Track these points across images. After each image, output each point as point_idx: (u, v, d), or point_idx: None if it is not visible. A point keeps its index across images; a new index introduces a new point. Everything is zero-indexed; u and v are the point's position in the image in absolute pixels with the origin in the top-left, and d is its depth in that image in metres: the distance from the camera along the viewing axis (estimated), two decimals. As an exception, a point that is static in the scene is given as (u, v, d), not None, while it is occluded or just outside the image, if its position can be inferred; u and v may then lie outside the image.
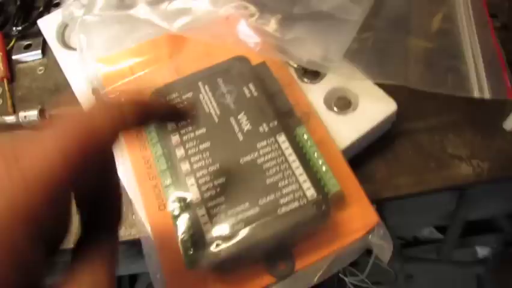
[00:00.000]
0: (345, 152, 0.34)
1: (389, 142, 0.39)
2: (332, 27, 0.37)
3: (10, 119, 0.44)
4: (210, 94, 0.33)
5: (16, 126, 0.45)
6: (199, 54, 0.37)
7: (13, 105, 0.46)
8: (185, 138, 0.32)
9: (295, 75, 0.38)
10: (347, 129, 0.35)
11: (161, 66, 0.38)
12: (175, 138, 0.32)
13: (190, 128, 0.32)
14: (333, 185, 0.29)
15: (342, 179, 0.30)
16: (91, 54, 0.40)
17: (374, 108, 0.36)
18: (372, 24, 0.38)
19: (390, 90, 0.36)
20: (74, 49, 0.46)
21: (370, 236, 0.29)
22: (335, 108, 0.36)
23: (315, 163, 0.30)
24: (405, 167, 0.38)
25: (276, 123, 0.31)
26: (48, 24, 0.49)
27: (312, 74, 0.38)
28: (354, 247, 0.29)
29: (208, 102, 0.33)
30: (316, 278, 0.28)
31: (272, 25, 0.36)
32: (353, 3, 0.37)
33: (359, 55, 0.37)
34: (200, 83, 0.34)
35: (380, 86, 0.36)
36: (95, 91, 0.40)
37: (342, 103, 0.37)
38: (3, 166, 0.13)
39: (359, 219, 0.30)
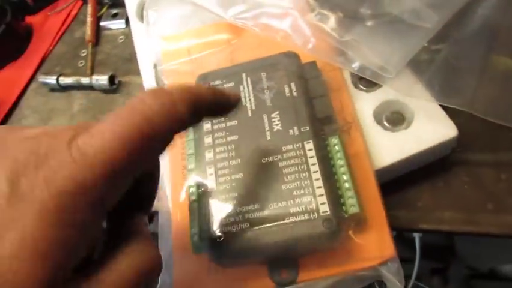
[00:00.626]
0: (383, 172, 0.31)
1: (442, 169, 0.34)
2: (398, 33, 0.33)
3: (85, 80, 0.48)
4: (250, 87, 0.33)
5: (89, 87, 0.49)
6: (255, 44, 0.37)
7: (92, 68, 0.51)
8: (216, 127, 0.32)
9: (349, 80, 0.35)
10: (392, 148, 0.32)
11: (217, 51, 0.39)
12: (206, 126, 0.32)
13: (223, 119, 0.32)
14: (352, 205, 0.27)
15: (367, 201, 0.28)
16: (156, 31, 0.41)
17: (430, 130, 0.32)
18: (449, 34, 0.33)
19: (457, 111, 0.31)
20: (142, 20, 0.48)
21: (383, 268, 0.26)
22: (385, 123, 0.33)
23: (340, 178, 0.28)
24: (456, 201, 0.33)
25: (307, 128, 0.29)
26: (132, -3, 0.52)
27: (370, 81, 0.35)
28: (364, 274, 0.27)
29: (246, 94, 0.33)
30: (316, 295, 0.27)
31: (331, 23, 0.34)
32: (430, 8, 0.33)
33: (425, 68, 0.33)
34: (244, 75, 0.34)
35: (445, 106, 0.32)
36: (155, 66, 0.42)
37: (395, 118, 0.33)
38: (64, 145, 0.14)
39: (374, 247, 0.27)
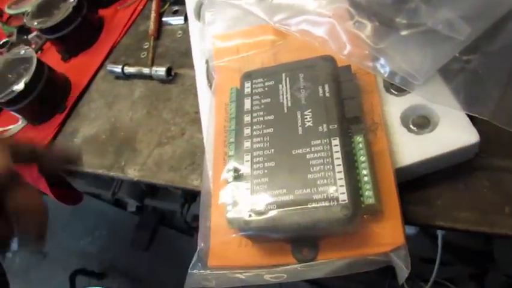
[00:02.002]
0: (404, 170, 0.34)
1: (464, 172, 0.36)
2: (431, 43, 0.35)
3: (146, 70, 0.55)
4: (288, 86, 0.37)
5: (148, 77, 0.55)
6: (296, 47, 0.40)
7: (152, 59, 0.57)
8: (255, 120, 0.36)
9: (381, 83, 0.38)
10: (415, 149, 0.34)
11: (262, 51, 0.43)
12: (247, 118, 0.36)
13: (261, 113, 0.36)
14: (369, 196, 0.30)
15: (384, 195, 0.31)
16: (210, 30, 0.46)
17: (453, 135, 0.34)
18: (480, 46, 0.35)
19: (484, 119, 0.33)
20: (200, 20, 0.53)
21: (393, 254, 0.30)
22: (411, 125, 0.36)
23: (360, 172, 0.31)
24: (474, 202, 0.35)
25: (335, 126, 0.33)
26: (192, -5, 0.57)
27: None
28: (375, 259, 0.30)
29: (284, 93, 0.37)
30: (331, 271, 0.31)
31: (367, 31, 0.37)
32: (465, 21, 0.35)
33: (453, 76, 0.35)
34: (284, 74, 0.38)
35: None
36: (207, 62, 0.47)
37: (421, 122, 0.36)
38: None
39: (387, 235, 0.30)
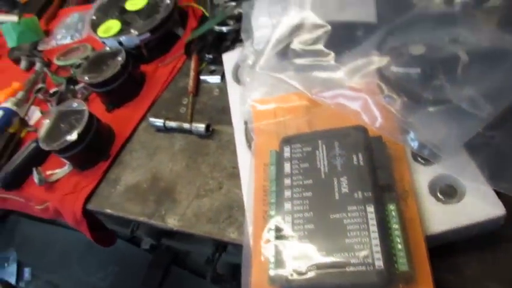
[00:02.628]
0: (434, 238, 0.36)
1: (492, 243, 0.39)
2: (456, 119, 0.39)
3: (186, 125, 0.59)
4: (325, 153, 0.40)
5: (188, 131, 0.60)
6: (330, 115, 0.44)
7: (191, 115, 0.62)
8: (295, 183, 0.40)
9: (409, 153, 0.42)
10: (443, 218, 0.37)
11: (297, 117, 0.47)
12: (287, 181, 0.40)
13: (300, 177, 0.40)
14: (402, 264, 0.33)
15: (416, 262, 0.34)
16: (249, 94, 0.51)
17: (479, 207, 0.37)
18: (504, 123, 0.39)
19: None
20: (238, 82, 0.58)
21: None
22: (438, 194, 0.39)
23: (394, 239, 0.34)
24: (503, 274, 0.37)
25: (370, 194, 0.36)
26: (228, 59, 0.63)
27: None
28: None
29: (321, 159, 0.40)
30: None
31: (397, 105, 0.41)
32: (486, 99, 0.39)
33: (478, 151, 0.39)
34: (320, 141, 0.41)
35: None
36: (246, 123, 0.52)
37: (448, 191, 0.39)
38: None
39: (419, 302, 0.33)
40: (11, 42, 0.92)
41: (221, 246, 0.71)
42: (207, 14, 0.77)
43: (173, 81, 0.70)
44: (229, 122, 0.57)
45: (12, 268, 1.81)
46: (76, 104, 0.62)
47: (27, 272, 1.79)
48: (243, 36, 0.56)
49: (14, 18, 1.00)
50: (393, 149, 0.41)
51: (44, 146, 0.58)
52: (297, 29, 0.44)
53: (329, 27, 0.42)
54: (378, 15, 0.45)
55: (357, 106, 0.41)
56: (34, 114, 0.77)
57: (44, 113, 0.76)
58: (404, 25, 0.44)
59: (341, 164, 0.39)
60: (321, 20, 0.44)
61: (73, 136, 0.56)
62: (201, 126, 0.58)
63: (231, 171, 0.53)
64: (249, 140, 0.50)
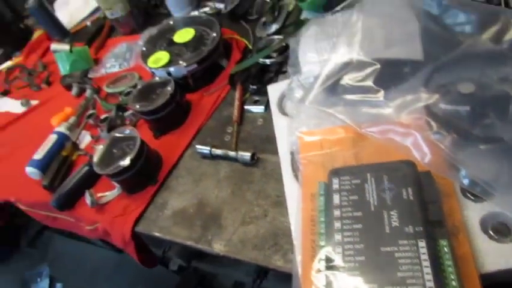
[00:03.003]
0: (488, 276, 0.36)
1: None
2: (507, 157, 0.40)
3: (231, 153, 0.62)
4: (373, 186, 0.42)
5: (233, 159, 0.62)
6: (376, 149, 0.46)
7: (236, 143, 0.64)
8: (344, 215, 0.41)
9: (459, 188, 0.42)
10: (497, 257, 0.37)
11: (344, 149, 0.48)
12: (336, 213, 0.41)
13: (350, 209, 0.41)
14: (456, 300, 0.33)
15: (470, 299, 0.34)
16: (297, 126, 0.53)
17: (533, 245, 0.37)
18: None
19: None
20: (286, 115, 0.61)
21: None
22: (491, 232, 0.39)
23: (448, 276, 0.35)
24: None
25: (421, 229, 0.37)
26: (273, 90, 0.65)
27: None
28: None
29: (370, 191, 0.41)
30: None
31: (446, 142, 0.42)
32: (538, 137, 0.39)
33: (530, 188, 0.39)
34: (368, 174, 0.43)
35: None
36: (292, 154, 0.54)
37: (501, 229, 0.39)
38: None
39: None
40: (63, 70, 0.98)
41: (262, 272, 0.72)
42: (250, 46, 0.81)
43: (217, 110, 0.73)
44: (274, 151, 0.59)
45: (45, 283, 1.87)
46: (128, 131, 0.65)
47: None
48: (289, 70, 0.58)
49: (66, 47, 1.07)
50: (442, 185, 0.42)
51: (98, 170, 0.62)
52: (346, 66, 0.46)
53: (378, 66, 0.44)
54: (425, 53, 0.47)
55: (406, 141, 0.42)
56: (85, 139, 0.81)
57: (94, 137, 0.80)
58: (451, 63, 0.45)
59: (390, 197, 0.40)
60: (369, 58, 0.46)
61: (125, 162, 0.60)
62: (246, 155, 0.60)
63: (275, 200, 0.54)
64: (295, 170, 0.52)
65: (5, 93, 1.09)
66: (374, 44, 0.47)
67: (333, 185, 0.44)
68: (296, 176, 0.51)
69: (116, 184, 0.65)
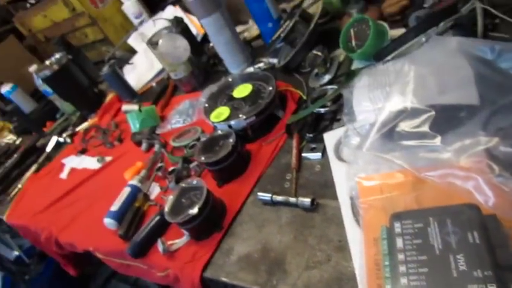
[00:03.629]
0: None
1: None
2: None
3: (292, 200, 0.65)
4: (437, 230, 0.42)
5: (294, 205, 0.65)
6: (437, 193, 0.47)
7: (296, 190, 0.67)
8: (409, 259, 0.41)
9: (528, 230, 0.41)
10: None
11: (404, 193, 0.50)
12: (401, 256, 0.42)
13: (414, 253, 0.42)
14: None
15: None
16: (355, 171, 0.55)
17: None
18: None
19: None
20: (343, 161, 0.63)
21: None
22: None
23: (523, 321, 0.34)
24: None
25: (490, 273, 0.37)
26: (329, 138, 0.69)
27: (549, 233, 0.40)
28: None
29: (434, 235, 0.42)
30: None
31: (511, 185, 0.42)
32: None
33: None
34: (431, 218, 0.43)
35: None
36: (352, 199, 0.55)
37: None
38: None
39: None
40: (134, 128, 1.09)
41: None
42: (304, 96, 0.86)
43: (276, 158, 0.77)
44: (333, 196, 0.61)
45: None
46: (195, 181, 0.71)
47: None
48: (344, 118, 0.62)
49: (135, 107, 1.20)
50: (510, 227, 0.41)
51: (169, 219, 0.67)
52: (401, 113, 0.49)
53: (433, 112, 0.46)
54: (480, 97, 0.48)
55: (467, 185, 0.43)
56: (154, 190, 0.88)
57: (163, 188, 0.87)
58: (508, 106, 0.46)
59: (455, 241, 0.41)
60: (423, 105, 0.48)
61: (194, 210, 0.65)
62: (306, 201, 0.62)
63: (337, 244, 0.56)
64: (355, 215, 0.54)
65: (83, 151, 1.22)
66: (427, 91, 0.49)
67: (395, 228, 0.45)
68: (357, 221, 0.53)
69: (185, 232, 0.70)
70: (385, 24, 0.80)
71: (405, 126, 0.48)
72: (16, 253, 2.24)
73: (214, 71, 1.19)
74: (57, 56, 1.35)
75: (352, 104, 0.60)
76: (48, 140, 1.40)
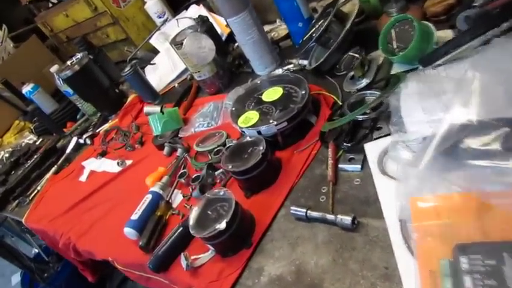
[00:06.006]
0: None
1: None
2: None
3: (330, 217, 0.59)
4: (515, 268, 0.36)
5: (331, 223, 0.59)
6: (509, 223, 0.40)
7: (333, 205, 0.61)
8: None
9: None
10: None
11: (467, 221, 0.43)
12: None
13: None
14: None
15: None
16: (406, 191, 0.49)
17: None
18: None
19: None
20: (388, 176, 0.57)
21: None
22: None
23: None
24: None
25: None
26: (371, 149, 0.62)
27: None
28: None
29: (509, 274, 0.36)
30: None
31: None
32: None
33: None
34: (505, 254, 0.37)
35: None
36: (402, 222, 0.49)
37: None
38: None
39: None
40: (156, 131, 1.04)
41: None
42: (339, 101, 0.80)
43: (309, 168, 0.71)
44: (376, 215, 0.55)
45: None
46: (222, 192, 0.66)
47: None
48: (392, 129, 0.55)
49: (157, 108, 1.15)
50: None
51: (194, 233, 0.62)
52: (465, 128, 0.42)
53: (507, 128, 0.40)
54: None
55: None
56: (177, 198, 0.84)
57: (186, 196, 0.82)
58: None
59: (539, 282, 0.34)
60: (491, 118, 0.42)
61: (222, 225, 0.59)
62: (346, 219, 0.56)
63: (384, 272, 0.50)
64: (406, 240, 0.47)
65: (103, 154, 1.18)
66: (495, 103, 0.42)
67: (461, 264, 0.39)
68: (409, 247, 0.47)
69: (210, 247, 0.65)
70: (431, 25, 0.74)
71: (472, 143, 0.42)
72: (36, 251, 2.25)
73: (240, 72, 1.14)
74: (78, 56, 1.32)
75: (400, 113, 0.54)
76: (69, 141, 1.38)
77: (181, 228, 0.70)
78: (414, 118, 0.51)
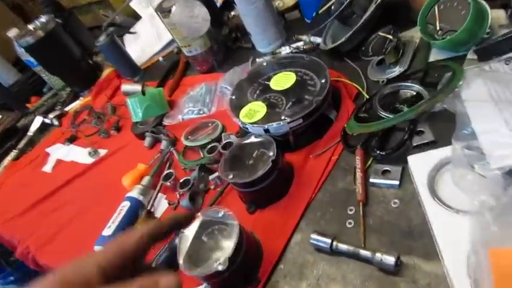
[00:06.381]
0: None
1: None
2: None
3: (365, 253, 0.45)
4: None
5: (366, 260, 0.45)
6: None
7: (364, 235, 0.47)
8: None
9: None
10: None
11: None
12: None
13: None
14: None
15: None
16: (481, 237, 0.35)
17: None
18: None
19: None
20: (444, 204, 0.43)
21: None
22: None
23: None
24: None
25: None
26: (417, 163, 0.48)
27: None
28: None
29: None
30: None
31: None
32: None
33: None
34: None
35: None
36: (473, 279, 0.36)
37: None
38: None
39: None
40: (135, 117, 0.87)
41: None
42: (364, 93, 0.65)
43: (329, 178, 0.57)
44: (425, 255, 0.43)
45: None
46: (221, 213, 0.51)
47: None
48: (456, 146, 0.41)
49: (137, 87, 0.97)
50: None
51: (187, 272, 0.47)
52: None
53: None
54: None
55: None
56: (161, 205, 0.69)
57: (172, 204, 0.67)
58: None
59: None
60: None
61: (222, 264, 0.45)
62: (389, 260, 0.42)
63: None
64: None
65: (72, 139, 1.01)
66: None
67: None
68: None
69: (204, 282, 0.51)
70: (485, 3, 0.58)
71: None
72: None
73: (237, 47, 0.97)
74: (43, 19, 1.11)
75: (471, 125, 0.40)
76: (32, 120, 1.18)
77: (164, 255, 0.56)
78: (497, 138, 0.36)
